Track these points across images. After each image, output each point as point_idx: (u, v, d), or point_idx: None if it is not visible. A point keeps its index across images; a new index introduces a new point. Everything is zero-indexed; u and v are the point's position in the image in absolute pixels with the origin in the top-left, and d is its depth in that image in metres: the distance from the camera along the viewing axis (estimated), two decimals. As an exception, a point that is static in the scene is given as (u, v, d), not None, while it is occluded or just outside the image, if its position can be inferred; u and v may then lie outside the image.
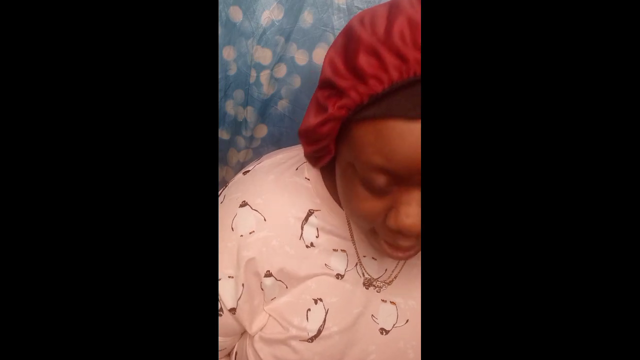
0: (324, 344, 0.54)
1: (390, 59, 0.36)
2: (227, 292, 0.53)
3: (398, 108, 0.36)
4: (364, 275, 0.55)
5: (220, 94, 0.77)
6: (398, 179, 0.39)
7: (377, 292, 0.55)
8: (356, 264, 0.55)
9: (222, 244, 0.53)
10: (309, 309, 0.54)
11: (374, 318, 0.55)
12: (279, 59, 0.74)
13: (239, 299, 0.53)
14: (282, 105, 0.78)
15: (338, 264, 0.54)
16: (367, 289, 0.55)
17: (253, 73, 0.75)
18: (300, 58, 0.74)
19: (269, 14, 0.71)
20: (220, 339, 0.57)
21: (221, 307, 0.54)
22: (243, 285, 0.53)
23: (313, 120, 0.43)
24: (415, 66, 0.35)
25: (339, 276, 0.54)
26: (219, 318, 0.55)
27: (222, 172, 0.85)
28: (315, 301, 0.54)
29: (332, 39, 0.72)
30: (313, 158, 0.48)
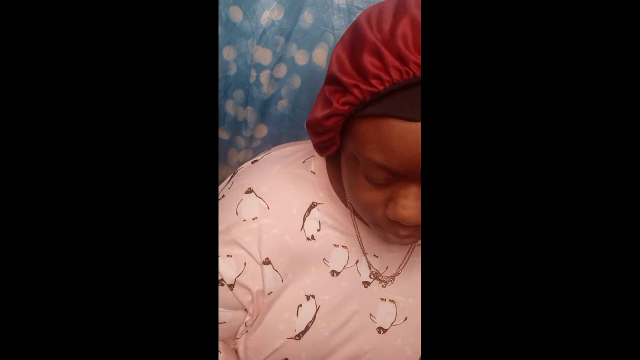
0: (312, 339, 0.54)
1: (391, 60, 0.37)
2: (226, 270, 0.53)
3: (398, 108, 0.38)
4: (370, 268, 0.55)
5: (220, 94, 0.77)
6: (397, 175, 0.41)
7: (383, 287, 0.55)
8: (357, 262, 0.55)
9: (223, 226, 0.53)
10: (300, 305, 0.54)
11: (372, 317, 0.55)
12: (279, 59, 0.74)
13: (239, 276, 0.53)
14: (282, 105, 0.78)
15: (337, 260, 0.54)
16: (367, 287, 0.55)
17: (253, 73, 0.75)
18: (300, 58, 0.74)
19: (269, 14, 0.71)
20: (221, 310, 0.56)
21: (222, 279, 0.54)
22: (245, 264, 0.53)
23: (319, 113, 0.44)
24: (414, 68, 0.37)
25: (334, 273, 0.54)
26: (220, 288, 0.54)
27: (222, 172, 0.85)
28: (308, 297, 0.54)
29: (332, 39, 0.72)
30: (320, 147, 0.50)
